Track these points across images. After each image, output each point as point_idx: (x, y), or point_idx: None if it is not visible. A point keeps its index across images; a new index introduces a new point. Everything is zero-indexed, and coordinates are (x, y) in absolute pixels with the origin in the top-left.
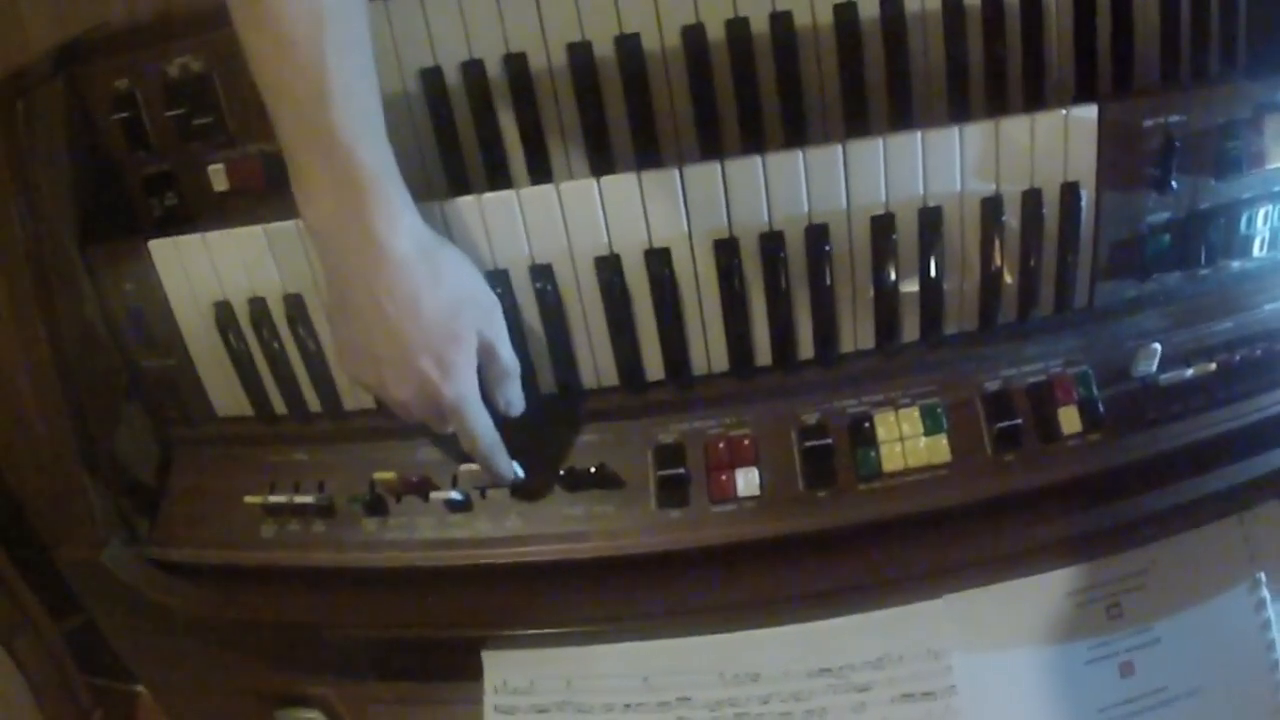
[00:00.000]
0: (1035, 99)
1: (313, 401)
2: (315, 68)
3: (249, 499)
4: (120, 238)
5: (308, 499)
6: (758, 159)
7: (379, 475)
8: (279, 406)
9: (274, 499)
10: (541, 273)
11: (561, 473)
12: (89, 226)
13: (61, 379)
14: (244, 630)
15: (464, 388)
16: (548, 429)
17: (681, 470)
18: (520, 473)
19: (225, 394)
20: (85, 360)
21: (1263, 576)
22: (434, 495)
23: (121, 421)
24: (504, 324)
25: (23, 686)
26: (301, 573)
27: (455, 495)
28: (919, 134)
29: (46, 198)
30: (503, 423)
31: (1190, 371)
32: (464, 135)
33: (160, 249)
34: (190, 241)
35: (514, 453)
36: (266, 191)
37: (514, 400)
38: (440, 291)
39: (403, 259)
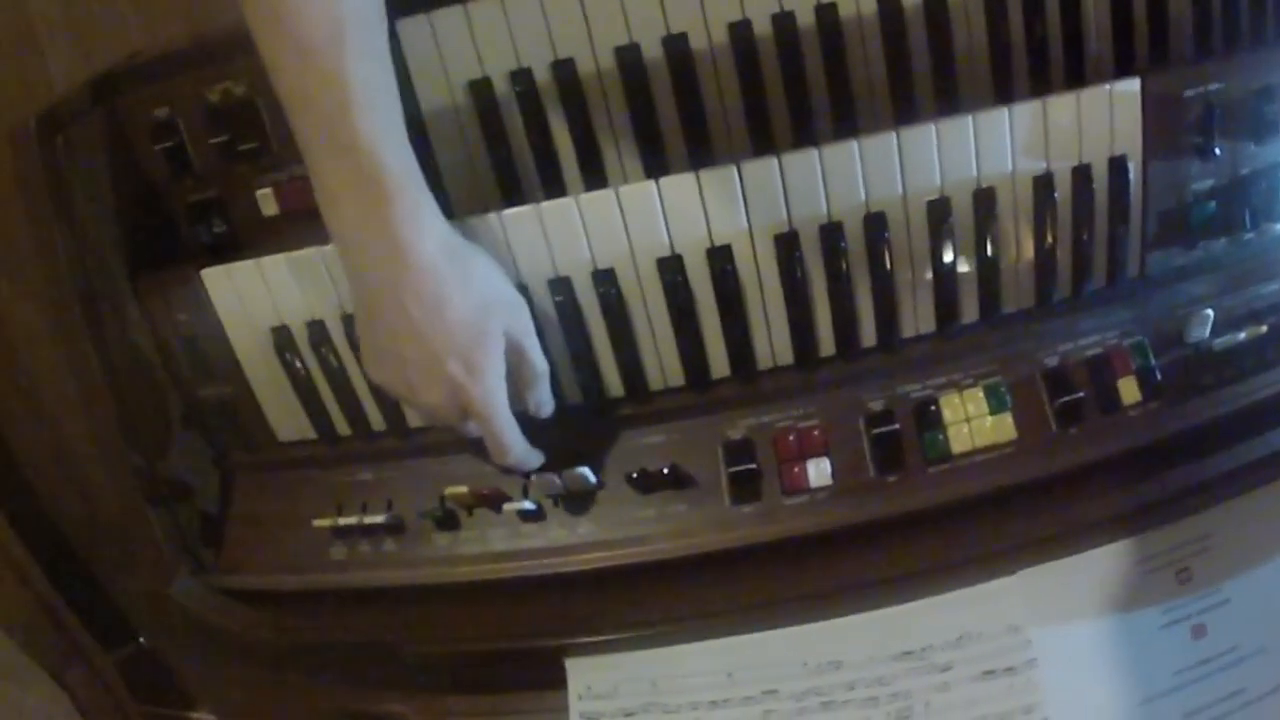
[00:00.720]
0: (1076, 75)
1: (376, 420)
2: (336, 75)
3: (319, 522)
4: (169, 267)
5: (378, 518)
6: (814, 151)
7: (450, 490)
8: (342, 427)
9: (344, 520)
10: (604, 277)
11: (633, 475)
12: (137, 257)
13: (117, 412)
14: (317, 652)
15: (492, 390)
16: (616, 432)
17: (752, 465)
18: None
19: (286, 418)
20: (140, 392)
21: None
22: (506, 507)
23: (180, 451)
24: (531, 325)
25: (77, 719)
26: (375, 592)
27: (528, 505)
28: (970, 117)
29: (92, 231)
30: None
31: (1243, 335)
32: (516, 145)
33: (213, 277)
34: (244, 268)
35: (584, 459)
36: (317, 213)
37: (544, 401)
38: (467, 294)
39: (428, 263)
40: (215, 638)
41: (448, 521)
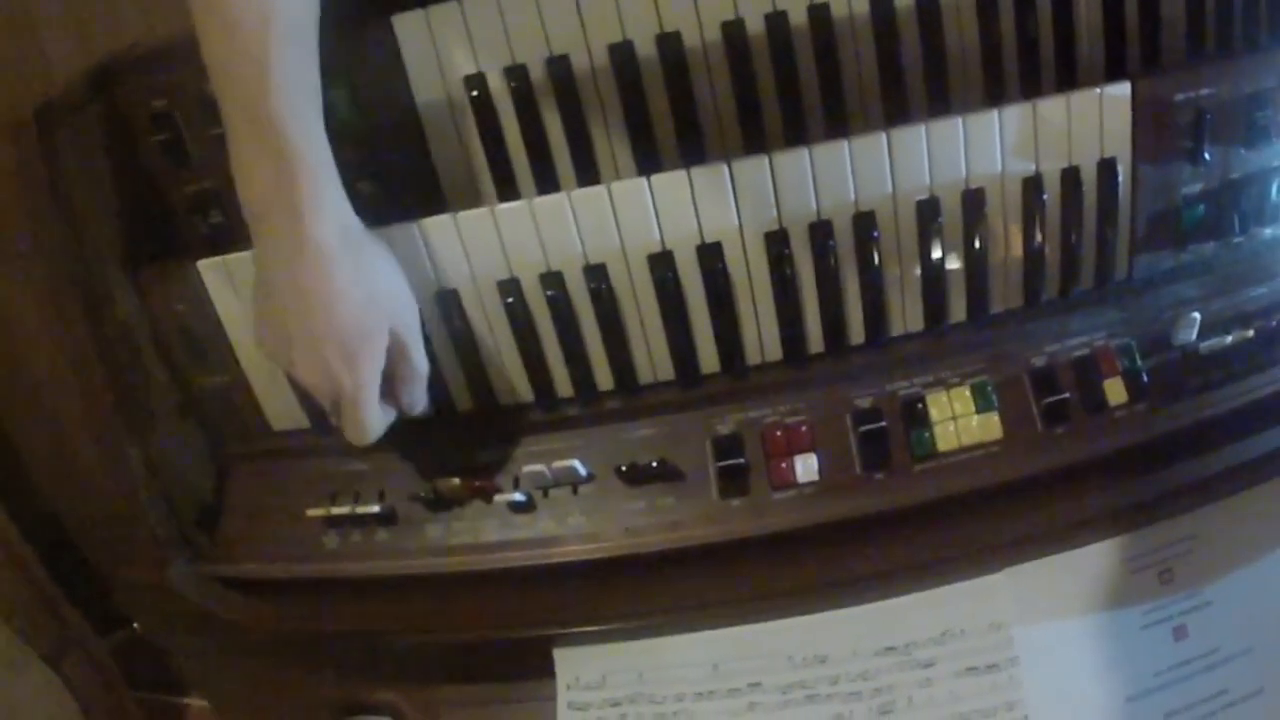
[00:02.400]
0: (1067, 78)
1: None
2: (259, 53)
3: (312, 512)
4: (167, 259)
5: (371, 509)
6: (804, 151)
7: (441, 482)
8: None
9: (336, 510)
10: (596, 272)
11: (622, 468)
12: (135, 248)
13: (113, 401)
14: (310, 641)
15: (364, 383)
16: (606, 425)
17: (741, 460)
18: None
19: (280, 407)
20: (136, 381)
21: None
22: (497, 498)
23: (176, 440)
24: (418, 326)
25: (72, 706)
26: (367, 581)
27: (518, 497)
28: (960, 119)
29: (90, 222)
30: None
31: (1229, 338)
32: (510, 140)
33: (210, 269)
34: (240, 260)
35: (574, 451)
36: None
37: (418, 401)
38: (357, 285)
39: (325, 248)
40: (209, 625)
41: (439, 512)
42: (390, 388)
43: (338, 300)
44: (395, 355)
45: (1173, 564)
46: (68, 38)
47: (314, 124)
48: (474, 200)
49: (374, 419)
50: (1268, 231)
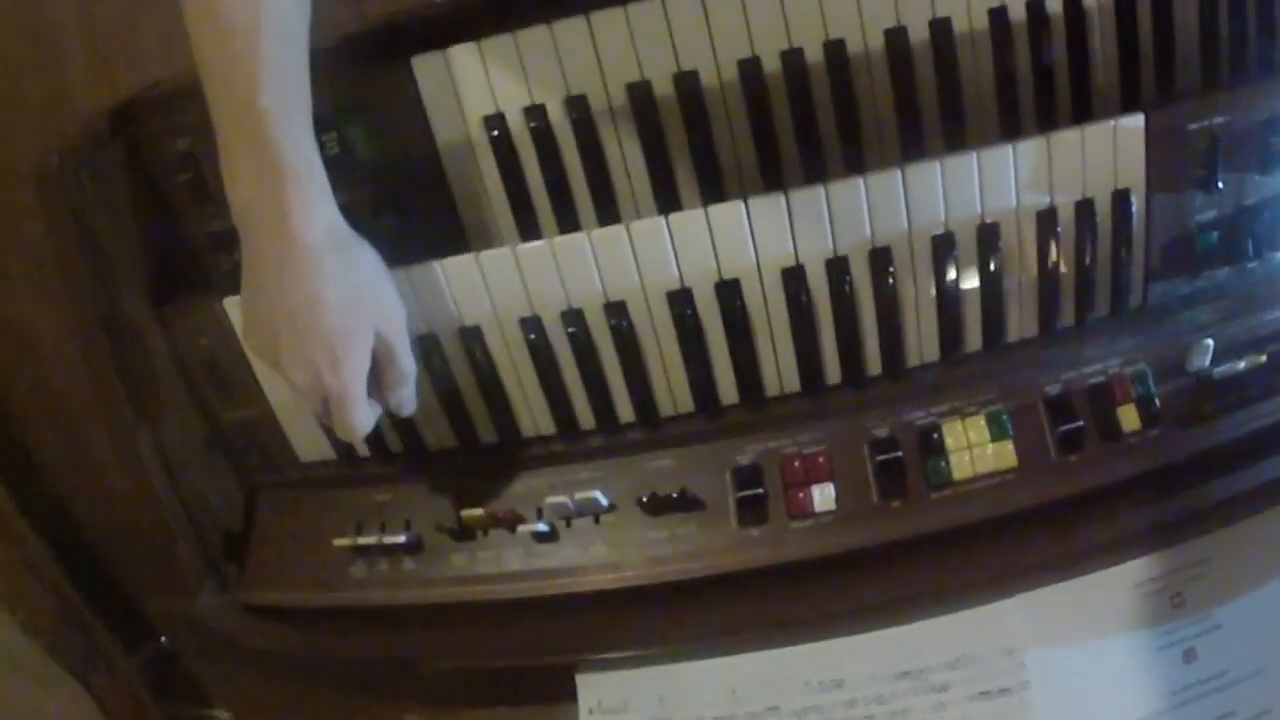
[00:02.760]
0: (1082, 109)
1: (394, 443)
2: (249, 58)
3: (339, 541)
4: (192, 294)
5: (397, 538)
6: (820, 189)
7: (466, 512)
8: (361, 449)
9: (363, 540)
10: (616, 309)
11: (643, 499)
12: (160, 285)
13: (142, 435)
14: (338, 667)
15: (350, 381)
16: (628, 456)
17: (760, 490)
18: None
19: (307, 439)
20: (165, 415)
21: None
22: (520, 528)
23: (204, 472)
24: (405, 328)
25: None
26: (393, 610)
27: (541, 527)
28: (974, 154)
29: (116, 259)
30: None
31: (1243, 363)
32: (530, 179)
33: (234, 305)
34: None
35: (596, 481)
36: None
37: (405, 402)
38: (344, 287)
39: (312, 250)
40: (238, 652)
41: (464, 542)
42: (378, 388)
43: (323, 302)
44: (382, 357)
45: (1184, 588)
46: (93, 76)
47: (303, 128)
48: (495, 237)
49: (361, 417)
50: None
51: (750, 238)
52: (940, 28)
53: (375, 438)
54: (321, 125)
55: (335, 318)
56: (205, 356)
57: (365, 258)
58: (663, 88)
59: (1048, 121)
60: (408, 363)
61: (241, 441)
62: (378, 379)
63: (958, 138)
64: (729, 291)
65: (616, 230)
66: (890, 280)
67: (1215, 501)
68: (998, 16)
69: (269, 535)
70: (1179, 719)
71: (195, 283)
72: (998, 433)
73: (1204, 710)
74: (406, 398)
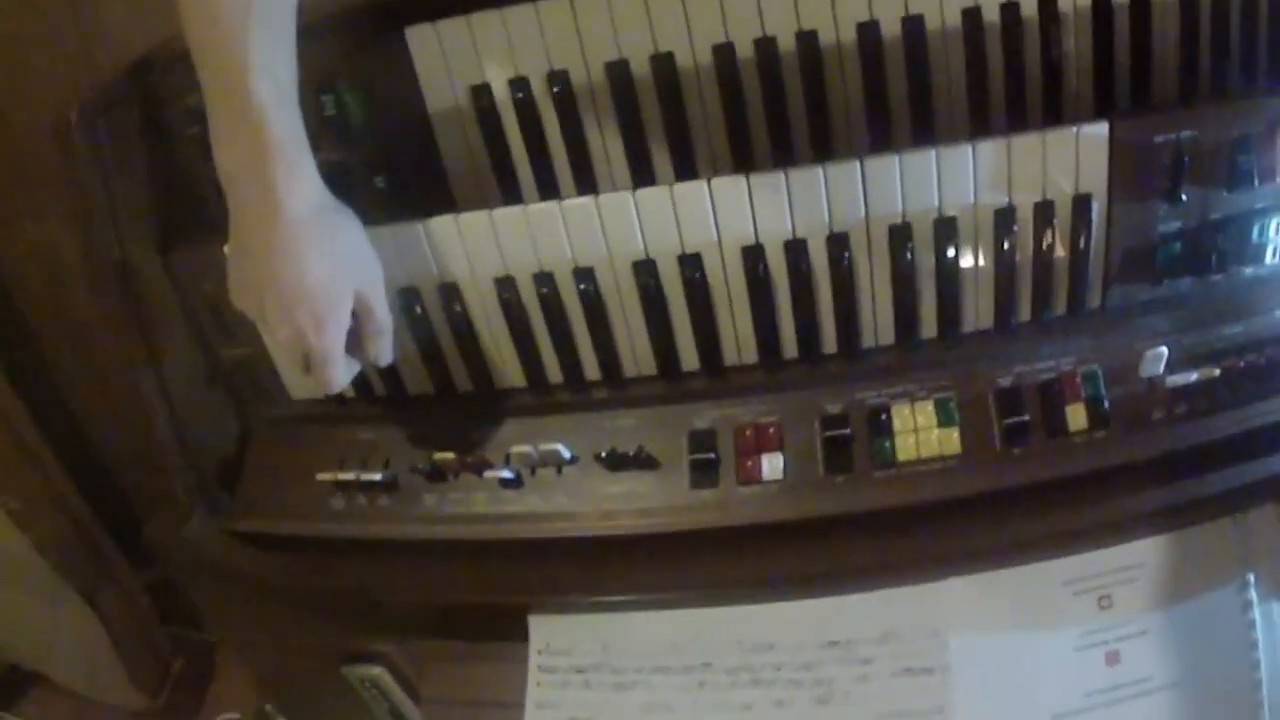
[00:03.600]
0: (1054, 111)
1: (378, 386)
2: (239, 39)
3: (321, 475)
4: (196, 240)
5: (374, 475)
6: (781, 174)
7: (438, 455)
8: (347, 390)
9: (343, 475)
10: (584, 275)
11: (603, 454)
12: (167, 231)
13: (147, 370)
14: (314, 595)
15: (331, 343)
16: (592, 413)
17: (712, 455)
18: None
19: (297, 379)
20: (169, 352)
21: (1252, 578)
22: (488, 473)
23: (203, 405)
24: (382, 285)
25: (105, 639)
26: (368, 543)
27: (507, 474)
28: (934, 151)
29: (129, 209)
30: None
31: (1195, 375)
32: (513, 146)
33: None
34: None
35: (560, 434)
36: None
37: (383, 353)
38: (327, 255)
39: (297, 219)
40: (225, 574)
41: (436, 483)
42: (358, 341)
43: (307, 269)
44: (361, 313)
45: (1114, 590)
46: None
47: (289, 103)
48: (480, 199)
49: (340, 372)
50: (1247, 271)
51: (713, 215)
52: (912, 25)
53: (360, 381)
54: (320, 88)
55: (318, 283)
56: (207, 298)
57: (345, 223)
58: (640, 67)
59: (1019, 122)
60: (385, 318)
61: (239, 378)
62: (357, 333)
63: (926, 133)
64: (691, 264)
65: (587, 202)
66: (846, 264)
67: (1154, 509)
68: (971, 16)
69: (260, 467)
70: (1096, 719)
71: (200, 229)
72: (944, 419)
73: (1121, 714)
74: (384, 349)
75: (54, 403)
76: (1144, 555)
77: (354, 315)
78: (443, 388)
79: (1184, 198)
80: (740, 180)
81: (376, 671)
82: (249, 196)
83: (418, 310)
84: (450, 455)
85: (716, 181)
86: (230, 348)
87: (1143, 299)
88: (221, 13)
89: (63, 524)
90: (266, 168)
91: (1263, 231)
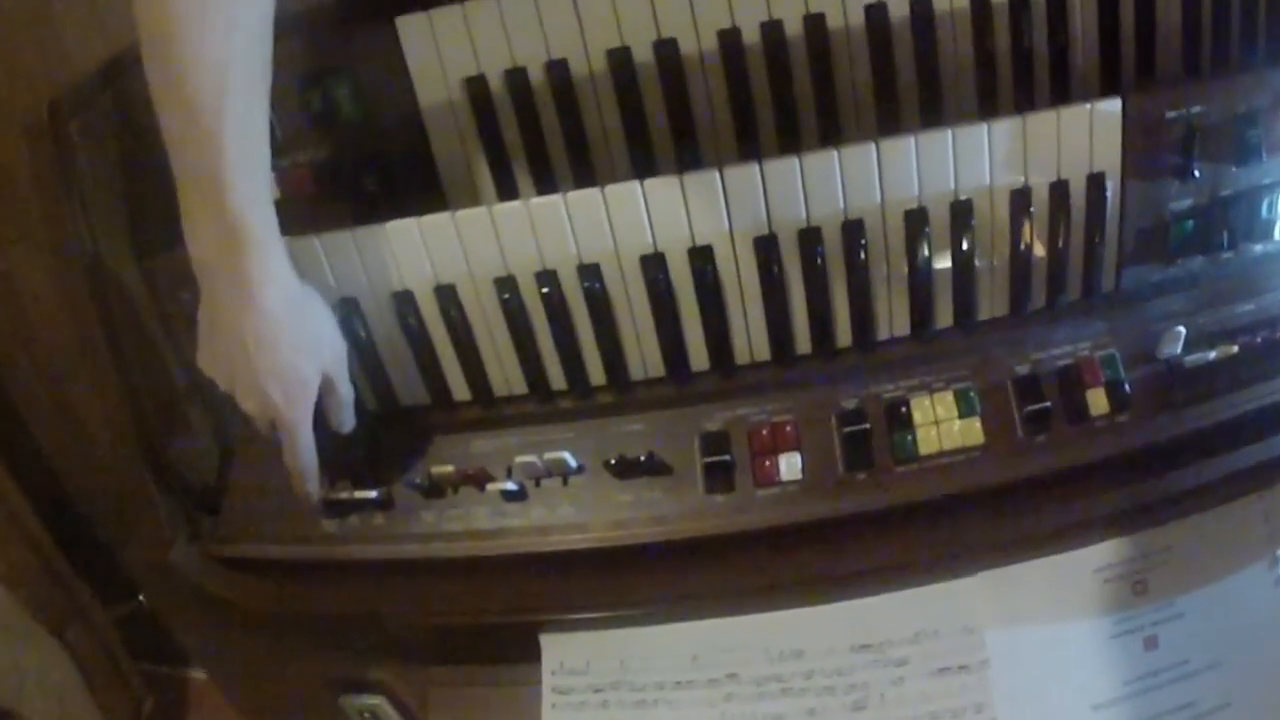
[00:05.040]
0: (1062, 91)
1: (369, 399)
2: (214, 138)
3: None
4: (175, 248)
5: (368, 493)
6: (794, 159)
7: (436, 469)
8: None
9: (335, 495)
10: (589, 272)
11: (612, 461)
12: (144, 239)
13: (122, 387)
14: (308, 621)
15: (299, 418)
16: (598, 419)
17: (727, 457)
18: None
19: None
20: (144, 367)
21: None
22: (489, 486)
23: (181, 424)
24: (345, 362)
25: (76, 676)
26: (363, 565)
27: (510, 486)
28: (949, 131)
29: (101, 212)
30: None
31: (1213, 354)
32: (510, 140)
33: None
34: None
35: (565, 442)
36: (317, 199)
37: (345, 421)
38: (297, 339)
39: (269, 310)
40: (210, 603)
41: (434, 499)
42: (319, 414)
43: (278, 355)
44: (325, 390)
45: (1147, 575)
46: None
47: (262, 196)
48: (474, 197)
49: (308, 447)
50: (1258, 248)
51: (724, 205)
52: (920, 6)
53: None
54: (306, 83)
55: (288, 367)
56: (186, 309)
57: (312, 308)
58: (643, 55)
59: (1027, 102)
60: (346, 392)
61: (219, 394)
62: (320, 405)
63: (935, 115)
64: (702, 257)
65: (592, 193)
66: (862, 253)
67: (1181, 490)
68: None
69: (243, 488)
70: (1137, 706)
71: (178, 236)
72: (965, 409)
73: (1163, 699)
74: (347, 418)
75: (18, 436)
76: (1175, 538)
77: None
78: (439, 397)
79: (1196, 174)
80: (753, 167)
81: (376, 701)
82: (222, 287)
83: (412, 316)
84: (448, 469)
85: (729, 170)
86: None
87: (1156, 280)
88: (196, 107)
89: (29, 558)
90: (240, 264)
91: (1272, 207)
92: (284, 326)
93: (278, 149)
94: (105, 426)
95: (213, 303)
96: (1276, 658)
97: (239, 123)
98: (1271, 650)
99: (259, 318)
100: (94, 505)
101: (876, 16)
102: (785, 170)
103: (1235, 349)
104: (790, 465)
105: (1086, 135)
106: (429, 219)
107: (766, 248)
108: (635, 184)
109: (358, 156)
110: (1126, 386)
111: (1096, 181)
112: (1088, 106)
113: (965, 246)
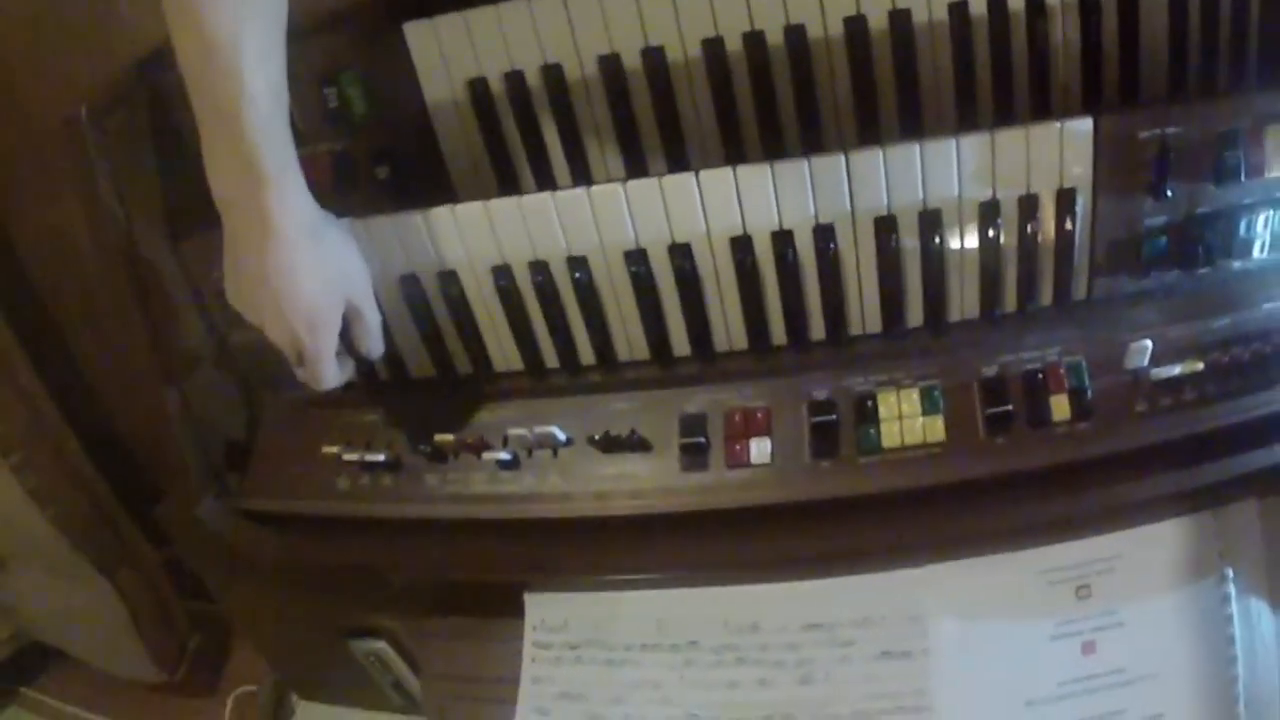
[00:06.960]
0: (1042, 106)
1: (382, 370)
2: (233, 73)
3: (327, 450)
4: (206, 230)
5: (378, 456)
6: (767, 166)
7: (439, 437)
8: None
9: (349, 456)
10: (577, 263)
11: (597, 437)
12: (178, 222)
13: (158, 355)
14: (321, 571)
15: (324, 348)
16: (587, 396)
17: (702, 438)
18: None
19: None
20: (179, 336)
21: (1230, 573)
22: (486, 455)
23: (213, 388)
24: (370, 287)
25: (124, 616)
26: (371, 521)
27: (505, 455)
28: (918, 145)
29: (139, 201)
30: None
31: (1179, 369)
32: (509, 138)
33: None
34: None
35: (556, 417)
36: (336, 188)
37: (374, 348)
38: (319, 268)
39: (290, 241)
40: (234, 553)
41: (437, 464)
42: (349, 341)
43: (301, 285)
44: (351, 316)
45: (1092, 580)
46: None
47: (281, 131)
48: (479, 189)
49: (331, 373)
50: (1234, 265)
51: (701, 207)
52: (900, 19)
53: (365, 366)
54: (323, 81)
55: (311, 296)
56: (216, 286)
57: (335, 236)
58: (631, 61)
59: (1006, 116)
60: (373, 317)
61: (248, 361)
62: (348, 332)
63: (914, 126)
64: (680, 254)
65: (579, 193)
66: (831, 255)
67: (1135, 500)
68: (958, 10)
69: (267, 448)
70: (1069, 708)
71: (210, 219)
72: (929, 407)
73: (1095, 703)
74: (375, 345)
75: (73, 382)
76: (1123, 547)
77: (345, 318)
78: (443, 372)
79: (1169, 193)
80: (728, 172)
81: (379, 646)
82: (243, 220)
83: (418, 297)
84: (450, 437)
85: (705, 173)
86: (238, 331)
87: (1129, 291)
88: (214, 43)
89: (81, 501)
90: (259, 195)
91: (1250, 226)
92: (305, 255)
93: (297, 140)
94: (143, 389)
95: (235, 236)
96: (1216, 674)
97: (256, 56)
98: (1211, 667)
99: (278, 247)
100: (145, 453)
101: (856, 28)
102: (760, 175)
103: (1201, 365)
104: (760, 450)
105: (1057, 152)
106: (432, 211)
107: (742, 247)
108: (618, 186)
109: (370, 150)
110: (1090, 395)
111: (1067, 196)
112: (1058, 125)
113: (933, 253)
